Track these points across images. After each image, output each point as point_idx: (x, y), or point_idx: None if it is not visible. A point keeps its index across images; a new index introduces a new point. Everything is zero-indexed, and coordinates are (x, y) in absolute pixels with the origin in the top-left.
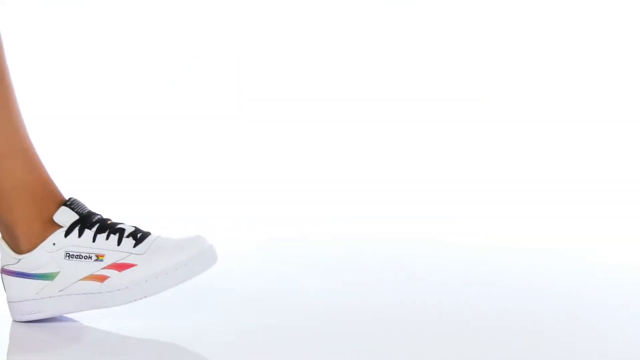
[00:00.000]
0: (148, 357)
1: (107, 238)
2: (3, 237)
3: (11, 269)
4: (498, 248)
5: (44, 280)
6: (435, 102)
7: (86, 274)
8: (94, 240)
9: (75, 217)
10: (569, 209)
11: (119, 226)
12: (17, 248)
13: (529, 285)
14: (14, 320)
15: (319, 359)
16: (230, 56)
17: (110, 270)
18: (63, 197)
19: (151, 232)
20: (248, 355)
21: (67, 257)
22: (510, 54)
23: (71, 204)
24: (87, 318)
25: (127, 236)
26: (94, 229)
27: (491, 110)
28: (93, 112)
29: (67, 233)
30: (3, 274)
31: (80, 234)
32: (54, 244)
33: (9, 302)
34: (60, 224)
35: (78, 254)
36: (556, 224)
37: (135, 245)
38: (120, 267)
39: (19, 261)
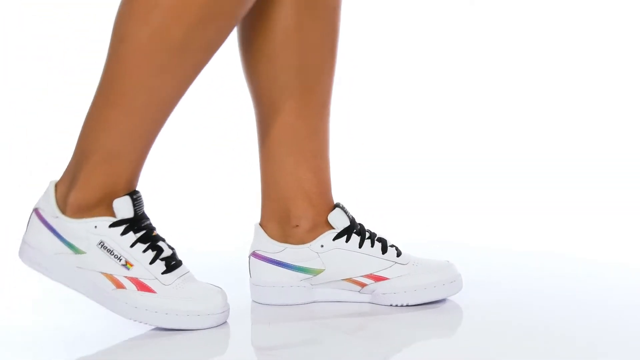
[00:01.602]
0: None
1: (144, 251)
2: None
3: (48, 219)
4: (498, 248)
5: (69, 248)
6: (435, 103)
7: (107, 271)
8: (132, 246)
9: (131, 214)
10: (568, 209)
11: (159, 243)
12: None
13: (529, 285)
14: (20, 259)
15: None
16: (231, 56)
17: (129, 283)
18: (135, 187)
19: (182, 262)
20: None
21: (100, 246)
22: (511, 54)
23: (135, 199)
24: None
25: (162, 259)
26: (138, 235)
27: (492, 111)
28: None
29: (113, 224)
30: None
31: (124, 232)
32: (95, 226)
33: (23, 241)
34: (118, 216)
35: (111, 249)
36: (556, 224)
37: (164, 272)
38: (141, 286)
39: (57, 217)
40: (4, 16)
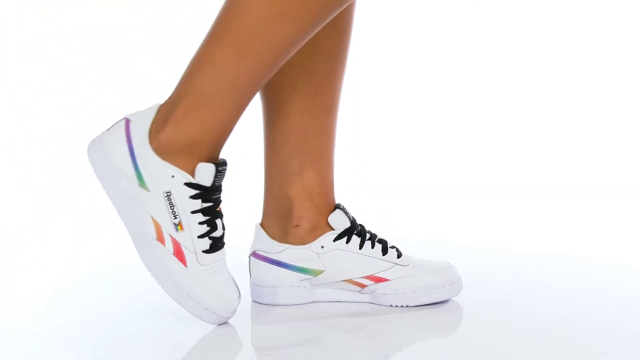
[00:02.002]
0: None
1: (200, 223)
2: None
3: (133, 139)
4: (498, 248)
5: (137, 178)
6: (437, 103)
7: (158, 220)
8: (193, 212)
9: (208, 184)
10: (568, 209)
11: (217, 220)
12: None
13: (529, 285)
14: (87, 150)
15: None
16: None
17: (170, 243)
18: (219, 153)
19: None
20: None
21: (166, 195)
22: (510, 55)
23: (220, 170)
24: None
25: (211, 237)
26: (204, 205)
27: (495, 113)
28: (94, 112)
29: (188, 184)
30: None
31: (194, 197)
32: (172, 176)
33: (100, 138)
34: (196, 179)
35: (173, 204)
36: (556, 225)
37: (205, 251)
38: (178, 252)
39: (143, 143)
40: (4, 16)
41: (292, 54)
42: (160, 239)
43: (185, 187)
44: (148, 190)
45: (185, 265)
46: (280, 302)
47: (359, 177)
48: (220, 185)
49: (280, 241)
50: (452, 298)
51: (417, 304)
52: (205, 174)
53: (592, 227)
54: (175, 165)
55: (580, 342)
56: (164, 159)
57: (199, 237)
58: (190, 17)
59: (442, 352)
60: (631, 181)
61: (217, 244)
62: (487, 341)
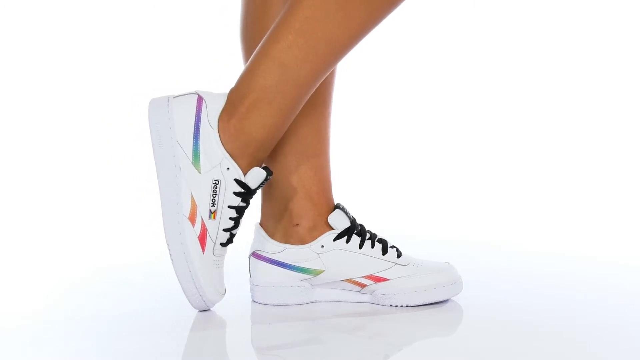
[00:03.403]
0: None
1: (230, 219)
2: None
3: (202, 118)
4: (498, 247)
5: (193, 155)
6: (437, 104)
7: (197, 201)
8: (229, 207)
9: (253, 187)
10: (569, 209)
11: (241, 220)
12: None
13: (529, 285)
14: (150, 101)
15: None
16: (232, 55)
17: (199, 227)
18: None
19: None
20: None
21: (214, 182)
22: (511, 55)
23: (267, 179)
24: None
25: (232, 234)
26: (241, 205)
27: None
28: (96, 112)
29: (237, 181)
30: None
31: (236, 194)
32: (228, 168)
33: (169, 100)
34: (245, 179)
35: (216, 193)
36: (556, 224)
37: (222, 244)
38: (202, 238)
39: (211, 126)
40: (4, 16)
41: (348, 54)
42: (192, 219)
43: (234, 182)
44: (199, 171)
45: (204, 251)
46: (280, 302)
47: (359, 177)
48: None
49: (280, 241)
50: (452, 298)
51: (417, 304)
52: (256, 177)
53: (592, 226)
54: (234, 160)
55: (580, 342)
56: (226, 148)
57: (224, 230)
58: (190, 16)
59: (442, 352)
60: (631, 181)
61: (230, 240)
62: (487, 341)
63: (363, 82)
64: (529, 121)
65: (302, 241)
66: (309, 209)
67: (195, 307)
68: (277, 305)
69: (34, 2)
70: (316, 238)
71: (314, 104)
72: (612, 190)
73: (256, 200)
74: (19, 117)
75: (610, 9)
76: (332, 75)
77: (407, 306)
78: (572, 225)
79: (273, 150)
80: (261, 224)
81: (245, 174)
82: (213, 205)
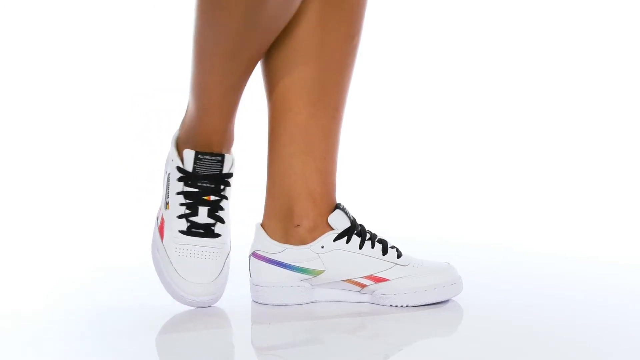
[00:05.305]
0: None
1: (181, 205)
2: None
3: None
4: (498, 248)
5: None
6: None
7: (161, 195)
8: (177, 193)
9: (188, 169)
10: (569, 209)
11: (201, 208)
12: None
13: (529, 285)
14: None
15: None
16: None
17: (160, 219)
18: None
19: (217, 236)
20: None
21: (166, 175)
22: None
23: (200, 159)
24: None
25: (190, 221)
26: (186, 189)
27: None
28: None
29: (178, 168)
30: None
31: (179, 179)
32: (172, 160)
33: None
34: (183, 164)
35: (167, 185)
36: (556, 224)
37: (181, 232)
38: (161, 227)
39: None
40: (4, 16)
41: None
42: (158, 214)
43: (176, 170)
44: (165, 171)
45: (162, 239)
46: (280, 302)
47: (360, 177)
48: (213, 175)
49: (280, 241)
50: (452, 298)
51: (417, 304)
52: (186, 159)
53: (592, 226)
54: (177, 150)
55: (580, 342)
56: (177, 143)
57: (178, 217)
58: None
59: (442, 352)
60: (631, 181)
61: (197, 229)
62: (487, 341)
63: (364, 84)
64: (528, 122)
65: (303, 241)
66: (310, 210)
67: (181, 302)
68: (277, 305)
69: (34, 2)
70: (316, 238)
71: (325, 107)
72: (612, 190)
73: (257, 200)
74: (19, 117)
75: (610, 9)
76: (347, 81)
77: (407, 306)
78: (573, 225)
79: (279, 150)
80: (262, 224)
81: (182, 160)
82: (167, 197)
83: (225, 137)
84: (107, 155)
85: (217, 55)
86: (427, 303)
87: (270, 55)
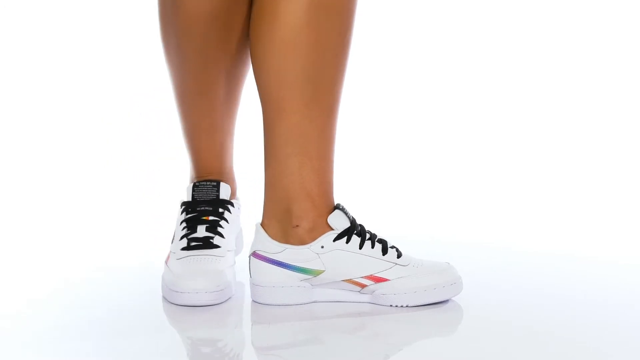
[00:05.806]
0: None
1: (182, 229)
2: None
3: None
4: (498, 247)
5: None
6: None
7: None
8: (180, 223)
9: (187, 199)
10: (569, 209)
11: (200, 227)
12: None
13: (529, 285)
14: None
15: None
16: None
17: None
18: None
19: (217, 247)
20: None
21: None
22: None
23: (197, 186)
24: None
25: (190, 238)
26: (185, 217)
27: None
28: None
29: (182, 202)
30: None
31: (181, 212)
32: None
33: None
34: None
35: (179, 220)
36: (556, 224)
37: (183, 249)
38: (167, 256)
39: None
40: (4, 16)
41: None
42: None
43: (180, 206)
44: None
45: (167, 262)
46: (280, 302)
47: (359, 177)
48: (212, 200)
49: (280, 241)
50: (452, 298)
51: (417, 304)
52: (187, 192)
53: (592, 226)
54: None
55: (580, 342)
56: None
57: (179, 239)
58: None
59: (442, 352)
60: (631, 181)
61: (196, 242)
62: (487, 341)
63: (361, 83)
64: (528, 122)
65: (302, 242)
66: (309, 210)
67: (181, 302)
68: (277, 305)
69: (34, 2)
70: (316, 238)
71: (319, 107)
72: (612, 190)
73: (257, 200)
74: (19, 117)
75: (610, 9)
76: (341, 80)
77: (407, 306)
78: (573, 225)
79: (275, 151)
80: (262, 224)
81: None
82: (174, 233)
83: (223, 177)
84: (107, 155)
85: (187, 95)
86: (427, 303)
87: (261, 56)
